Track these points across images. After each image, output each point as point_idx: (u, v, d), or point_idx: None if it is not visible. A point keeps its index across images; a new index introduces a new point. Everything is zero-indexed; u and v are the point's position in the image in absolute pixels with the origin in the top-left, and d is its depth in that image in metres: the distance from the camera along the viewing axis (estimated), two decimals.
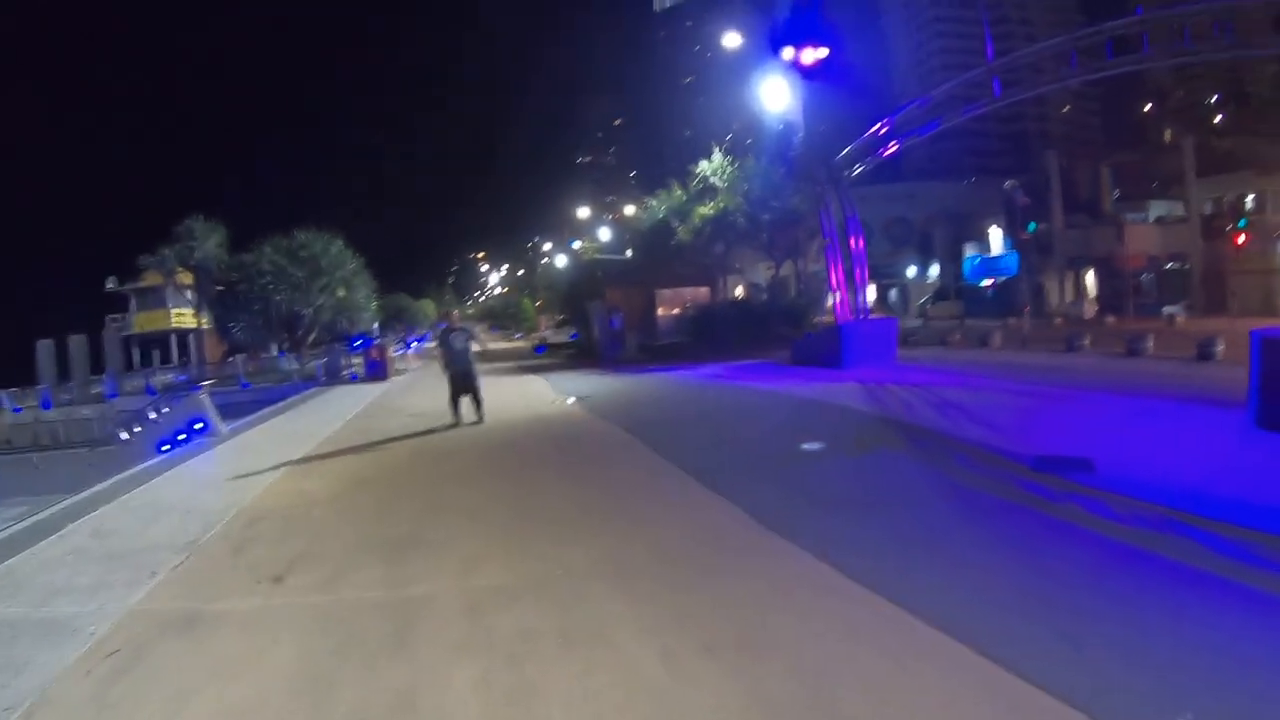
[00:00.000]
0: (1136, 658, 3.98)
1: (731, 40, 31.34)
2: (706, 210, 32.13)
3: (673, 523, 6.88)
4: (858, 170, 19.47)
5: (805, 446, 9.87)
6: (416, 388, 22.72)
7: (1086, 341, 22.54)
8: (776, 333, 30.24)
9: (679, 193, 34.68)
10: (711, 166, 33.72)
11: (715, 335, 29.99)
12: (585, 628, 4.64)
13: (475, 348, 15.02)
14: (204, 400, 15.82)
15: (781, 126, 33.99)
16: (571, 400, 16.78)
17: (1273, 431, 8.97)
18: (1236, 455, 8.43)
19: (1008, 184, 63.49)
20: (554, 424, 13.85)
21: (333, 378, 28.30)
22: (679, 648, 4.28)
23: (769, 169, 32.47)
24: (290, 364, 33.52)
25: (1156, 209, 51.65)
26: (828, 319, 33.83)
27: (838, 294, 20.38)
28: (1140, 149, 64.39)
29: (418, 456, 11.30)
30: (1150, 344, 20.25)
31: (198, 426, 14.82)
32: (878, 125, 18.03)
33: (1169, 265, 46.79)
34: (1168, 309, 38.79)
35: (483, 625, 4.76)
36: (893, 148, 17.77)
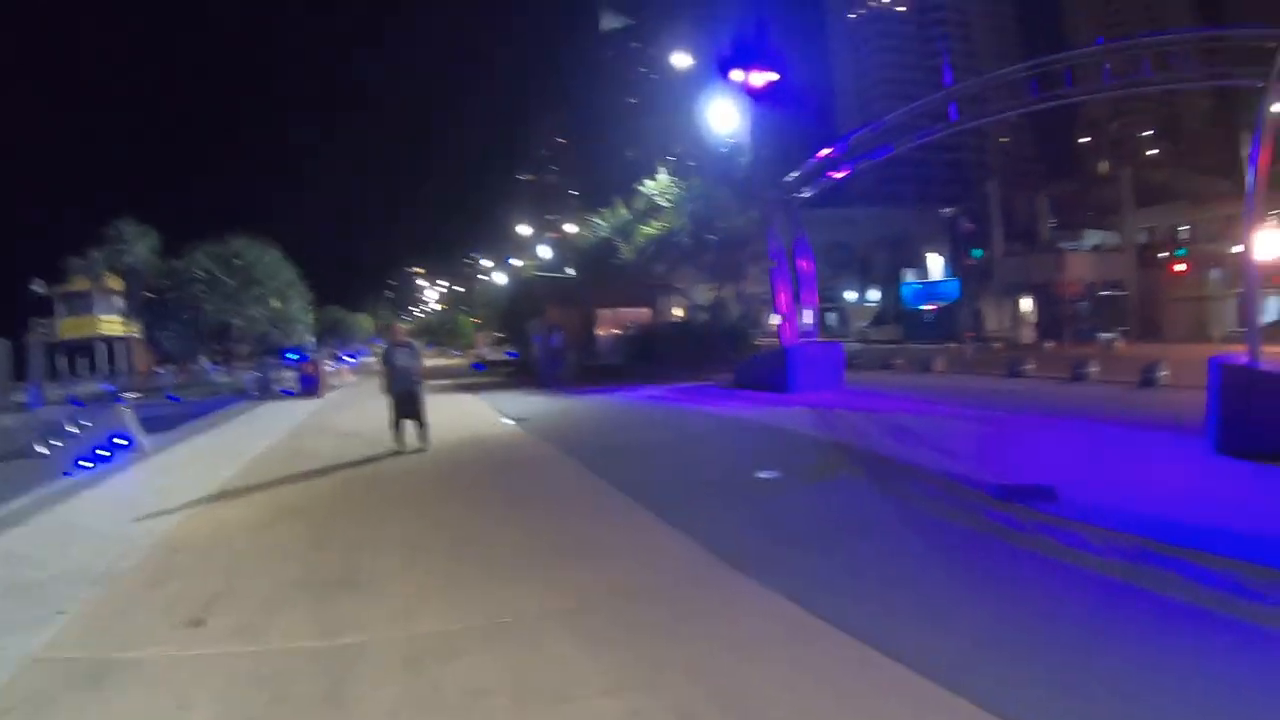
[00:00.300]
0: (1127, 693, 3.81)
1: (680, 60, 31.18)
2: (651, 230, 31.82)
3: (627, 558, 6.51)
4: (807, 192, 19.37)
5: (760, 474, 9.59)
6: (351, 405, 22.00)
7: (1030, 366, 22.77)
8: (719, 355, 30.01)
9: (623, 211, 34.34)
10: (657, 186, 33.45)
11: (656, 356, 29.70)
12: (542, 682, 4.22)
13: (423, 365, 13.79)
14: (127, 414, 15.03)
15: (728, 148, 34.03)
16: (513, 422, 16.23)
17: (1233, 457, 9.00)
18: (1201, 481, 8.38)
19: (945, 211, 64.91)
20: (496, 448, 13.25)
21: (264, 392, 27.32)
22: (650, 710, 3.88)
23: (714, 189, 32.37)
24: (220, 377, 32.32)
25: (1092, 238, 52.81)
26: (767, 341, 33.89)
27: (784, 316, 20.21)
28: (1076, 179, 66.25)
29: (352, 482, 10.66)
30: (1093, 369, 20.52)
31: (120, 442, 14.03)
32: (830, 148, 17.97)
33: (1104, 292, 47.80)
34: (1104, 335, 39.69)
35: (427, 680, 4.29)
36: (844, 171, 17.69)
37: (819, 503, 8.19)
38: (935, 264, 57.19)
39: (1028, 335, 45.01)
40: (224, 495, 9.79)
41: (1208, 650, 4.26)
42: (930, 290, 57.52)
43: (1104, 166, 65.28)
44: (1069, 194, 58.32)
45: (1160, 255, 46.33)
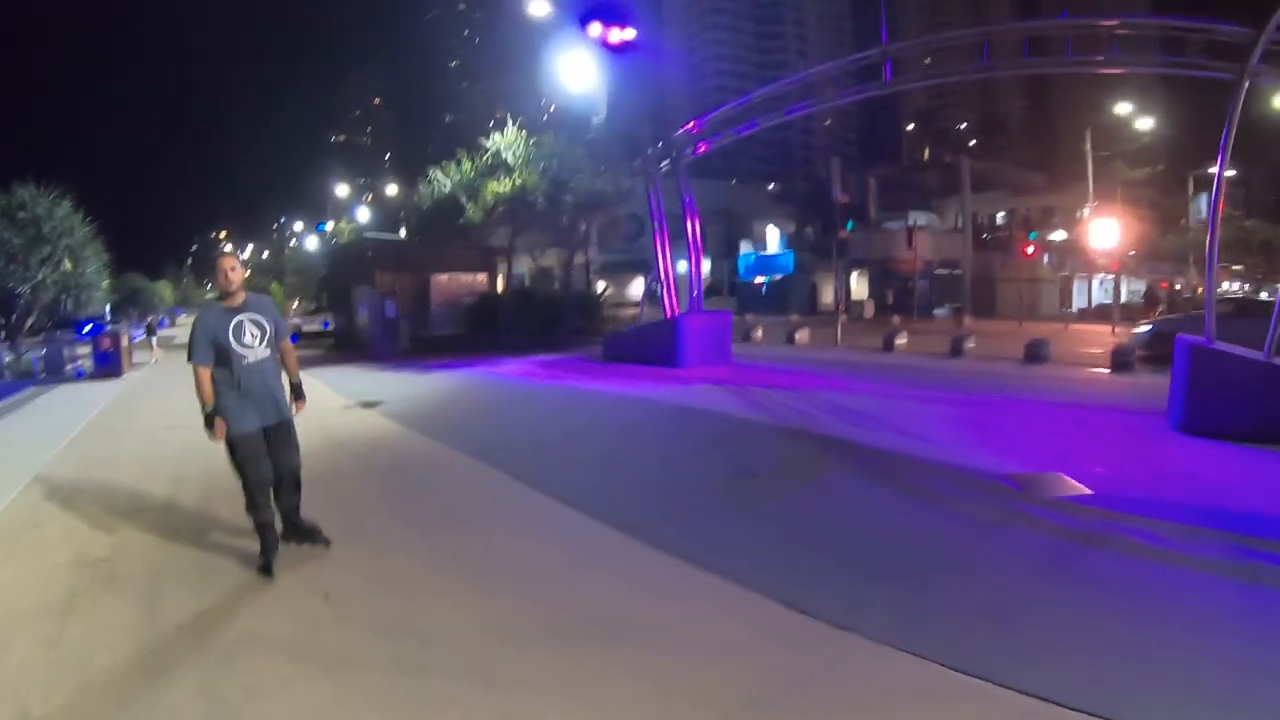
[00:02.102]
0: None
1: (538, 8, 28.61)
2: (501, 187, 29.32)
3: (681, 632, 4.22)
4: (696, 150, 17.74)
5: (737, 475, 7.76)
6: (159, 387, 17.73)
7: (902, 341, 22.31)
8: (568, 325, 28.16)
9: (468, 165, 31.59)
10: (505, 140, 30.90)
11: (499, 327, 27.50)
12: None
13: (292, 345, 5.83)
14: None
15: (583, 105, 31.99)
16: (369, 408, 12.94)
17: (1200, 437, 8.99)
18: (1210, 465, 7.84)
19: (770, 187, 65.27)
20: (362, 446, 9.63)
21: (55, 374, 22.93)
22: None
23: (568, 148, 30.19)
24: (4, 355, 27.16)
25: (916, 219, 54.68)
26: (613, 312, 32.35)
27: (664, 284, 18.46)
28: (901, 165, 69.78)
29: (184, 511, 6.85)
30: (970, 345, 20.27)
31: None
32: (734, 103, 16.51)
33: (940, 270, 49.37)
34: (938, 311, 40.71)
35: None
36: (748, 129, 16.09)
37: (843, 511, 6.49)
38: (773, 237, 57.30)
39: (869, 309, 45.72)
40: None
41: None
42: (766, 263, 57.61)
43: (927, 153, 69.41)
44: (895, 177, 60.52)
45: (986, 237, 48.50)
